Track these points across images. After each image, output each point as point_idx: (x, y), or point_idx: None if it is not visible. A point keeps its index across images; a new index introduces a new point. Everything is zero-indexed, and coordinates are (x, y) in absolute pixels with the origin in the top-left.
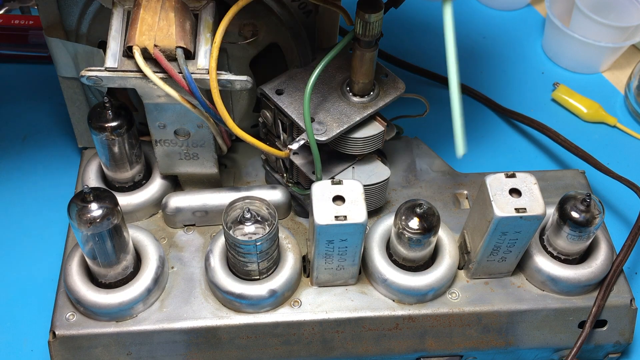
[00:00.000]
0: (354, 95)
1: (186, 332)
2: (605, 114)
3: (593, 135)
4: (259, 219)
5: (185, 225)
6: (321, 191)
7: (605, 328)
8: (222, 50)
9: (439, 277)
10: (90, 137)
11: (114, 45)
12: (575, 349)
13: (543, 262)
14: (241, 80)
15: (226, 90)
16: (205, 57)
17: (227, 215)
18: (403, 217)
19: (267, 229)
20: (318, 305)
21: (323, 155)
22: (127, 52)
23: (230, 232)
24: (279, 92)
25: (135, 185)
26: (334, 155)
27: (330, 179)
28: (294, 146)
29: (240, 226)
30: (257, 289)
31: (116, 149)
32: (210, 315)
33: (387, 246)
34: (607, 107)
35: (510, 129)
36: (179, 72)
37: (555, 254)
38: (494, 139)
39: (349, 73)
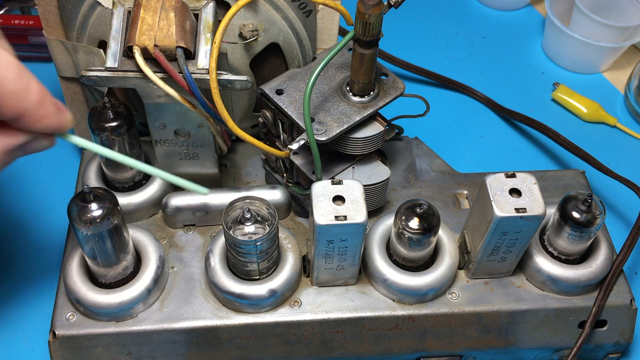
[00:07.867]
0: (354, 95)
1: (186, 332)
2: (605, 114)
3: (593, 135)
4: (259, 219)
5: (185, 225)
6: (321, 191)
7: (605, 328)
8: (222, 50)
9: (439, 277)
10: (90, 137)
11: (114, 45)
12: (575, 349)
13: (543, 262)
14: (241, 80)
15: (226, 90)
16: (206, 57)
17: (227, 215)
18: (403, 217)
19: (267, 229)
20: (318, 305)
21: (323, 155)
22: (127, 52)
23: (230, 232)
24: (279, 92)
25: (135, 185)
26: (334, 155)
27: (330, 179)
28: (294, 146)
29: (240, 226)
30: (257, 289)
31: (116, 149)
32: (210, 315)
33: (387, 246)
34: (607, 107)
35: (510, 129)
36: (179, 72)
37: (555, 254)
38: (494, 139)
39: (349, 73)
